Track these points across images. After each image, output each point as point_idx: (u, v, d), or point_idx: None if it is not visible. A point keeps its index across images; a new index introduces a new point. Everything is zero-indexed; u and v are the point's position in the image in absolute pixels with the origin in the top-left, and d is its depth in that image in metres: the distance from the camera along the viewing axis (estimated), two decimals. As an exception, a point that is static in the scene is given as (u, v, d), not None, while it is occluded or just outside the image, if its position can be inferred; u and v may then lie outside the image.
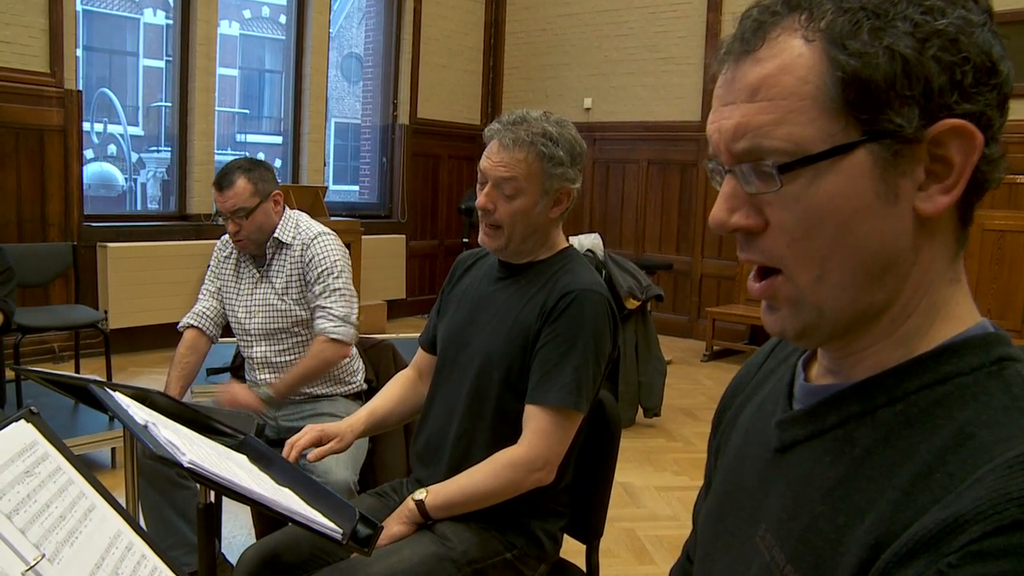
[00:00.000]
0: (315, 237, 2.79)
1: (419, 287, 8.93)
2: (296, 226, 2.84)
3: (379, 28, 8.76)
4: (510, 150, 1.85)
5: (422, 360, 2.19)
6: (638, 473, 4.30)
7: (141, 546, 1.05)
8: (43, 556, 0.85)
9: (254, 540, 2.99)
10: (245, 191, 2.72)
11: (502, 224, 1.88)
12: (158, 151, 16.49)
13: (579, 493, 1.99)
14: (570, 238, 5.05)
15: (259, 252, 2.83)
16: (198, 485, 2.50)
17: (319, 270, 2.74)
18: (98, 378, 1.88)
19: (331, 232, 2.86)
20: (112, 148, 16.55)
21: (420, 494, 1.85)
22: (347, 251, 2.87)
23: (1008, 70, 0.73)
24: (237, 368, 4.23)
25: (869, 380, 0.77)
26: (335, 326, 2.69)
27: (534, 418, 1.82)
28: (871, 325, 0.77)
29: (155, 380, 4.97)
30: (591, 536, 2.01)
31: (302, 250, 2.78)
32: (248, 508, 2.94)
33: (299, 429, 2.35)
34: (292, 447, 1.95)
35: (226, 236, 2.91)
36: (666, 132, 8.10)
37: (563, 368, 1.81)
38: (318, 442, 1.98)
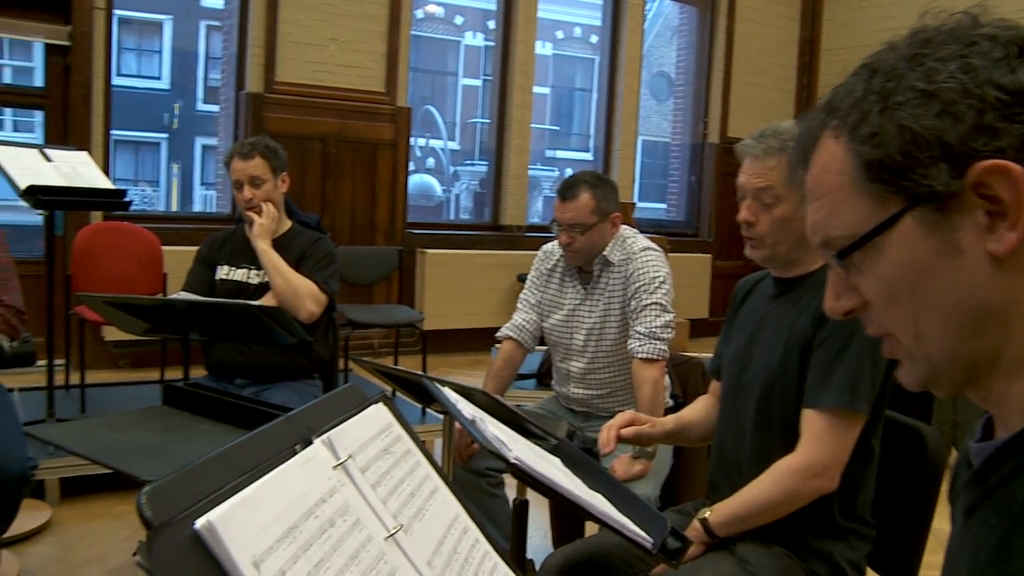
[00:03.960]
0: (639, 252, 2.75)
1: (723, 307, 8.77)
2: (623, 242, 2.80)
3: (691, 47, 8.78)
4: (761, 160, 1.85)
5: (715, 388, 2.19)
6: (948, 519, 3.97)
7: (475, 531, 1.12)
8: (400, 527, 0.94)
9: (550, 541, 3.10)
10: (587, 207, 2.70)
11: (764, 236, 1.87)
12: (472, 164, 17.54)
13: (895, 532, 1.89)
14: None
15: (587, 267, 2.82)
16: (506, 495, 2.57)
17: (636, 285, 2.69)
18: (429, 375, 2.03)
19: (657, 248, 2.79)
20: (431, 161, 17.80)
21: (704, 512, 1.84)
22: (669, 268, 2.79)
23: None
24: (543, 376, 4.39)
25: (1022, 432, 0.76)
26: (639, 345, 2.62)
27: (809, 422, 1.76)
28: (994, 368, 0.77)
29: (464, 381, 5.25)
30: (906, 580, 1.90)
31: (624, 264, 2.75)
32: (546, 511, 3.05)
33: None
34: (609, 430, 1.97)
35: (547, 246, 2.95)
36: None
37: (836, 368, 1.74)
38: (630, 423, 2.01)
